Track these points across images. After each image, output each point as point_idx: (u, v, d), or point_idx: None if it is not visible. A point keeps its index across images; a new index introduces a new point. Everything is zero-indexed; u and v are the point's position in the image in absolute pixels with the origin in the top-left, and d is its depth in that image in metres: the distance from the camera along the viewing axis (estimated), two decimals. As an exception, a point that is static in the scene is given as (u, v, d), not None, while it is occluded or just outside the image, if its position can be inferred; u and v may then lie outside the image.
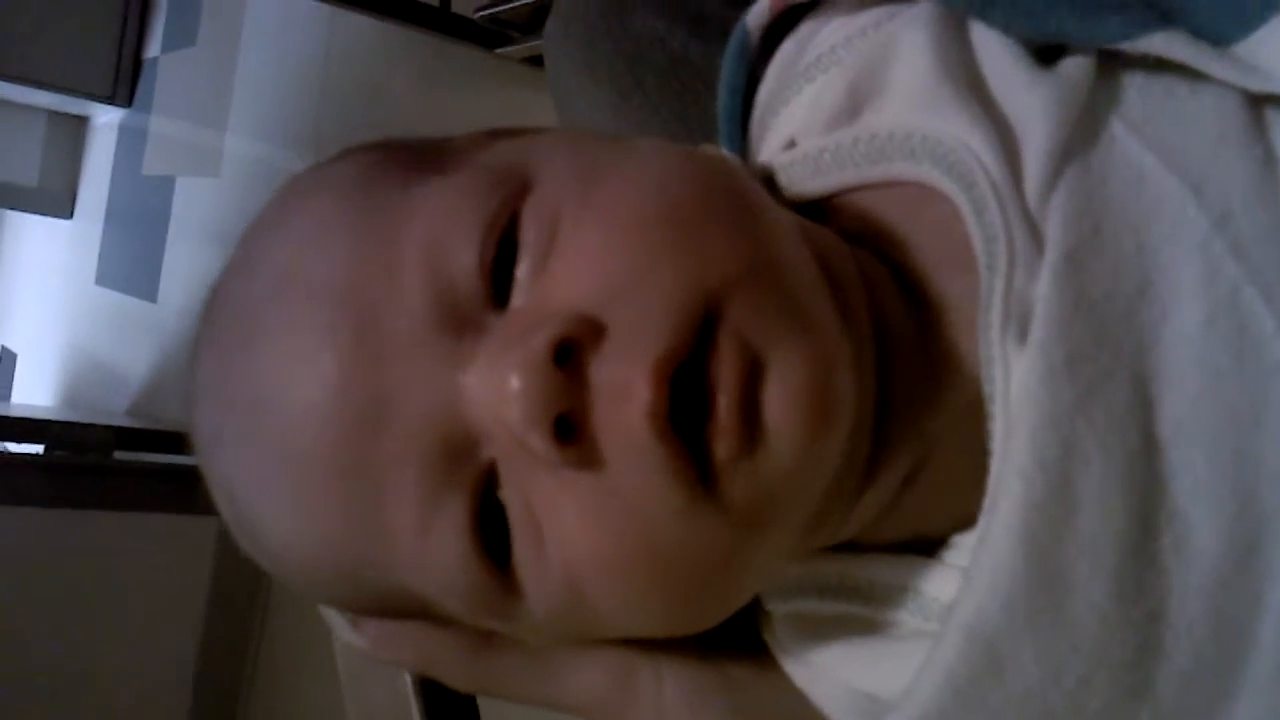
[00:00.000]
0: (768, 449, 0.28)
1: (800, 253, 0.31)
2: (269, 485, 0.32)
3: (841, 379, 0.30)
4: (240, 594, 2.18)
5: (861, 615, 0.34)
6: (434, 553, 0.30)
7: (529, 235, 0.30)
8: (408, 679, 0.47)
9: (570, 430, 0.28)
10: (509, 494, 0.30)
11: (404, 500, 0.30)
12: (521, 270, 0.30)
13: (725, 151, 0.40)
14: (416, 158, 0.34)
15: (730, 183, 0.32)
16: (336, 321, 0.30)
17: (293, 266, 0.31)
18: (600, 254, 0.29)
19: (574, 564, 0.29)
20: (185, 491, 2.02)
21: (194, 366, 0.35)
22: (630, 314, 0.28)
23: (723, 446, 0.28)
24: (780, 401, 0.28)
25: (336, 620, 0.39)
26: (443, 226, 0.30)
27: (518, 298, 0.30)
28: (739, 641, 0.37)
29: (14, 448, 2.36)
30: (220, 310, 0.34)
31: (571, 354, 0.28)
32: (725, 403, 0.28)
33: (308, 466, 0.30)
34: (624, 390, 0.27)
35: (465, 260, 0.30)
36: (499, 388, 0.28)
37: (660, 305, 0.28)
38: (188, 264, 2.81)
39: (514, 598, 0.31)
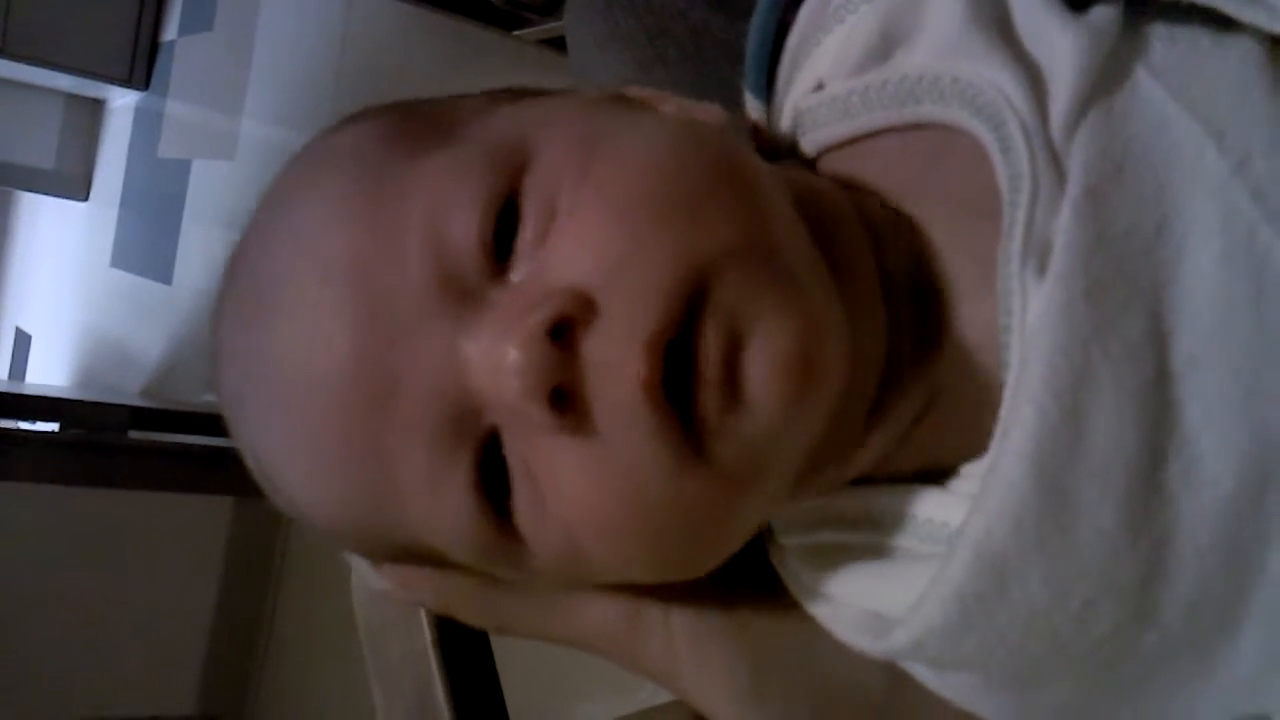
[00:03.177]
0: (748, 410, 0.30)
1: (792, 225, 0.32)
2: (291, 452, 0.34)
3: (827, 346, 0.31)
4: (253, 572, 2.19)
5: (872, 542, 0.35)
6: (442, 509, 0.32)
7: (529, 208, 0.31)
8: (426, 633, 0.48)
9: (565, 399, 0.30)
10: (510, 454, 0.32)
11: (414, 464, 0.32)
12: (521, 243, 0.31)
13: (725, 113, 0.41)
14: (421, 127, 0.35)
15: (725, 155, 0.33)
16: (348, 299, 0.32)
17: (305, 243, 0.33)
18: (595, 231, 0.31)
19: (570, 520, 0.31)
20: (199, 471, 2.04)
21: (216, 326, 0.37)
22: (623, 292, 0.30)
23: (710, 408, 0.30)
24: (758, 367, 0.30)
25: (360, 565, 0.41)
26: (443, 202, 0.32)
27: (517, 271, 0.31)
28: (748, 575, 0.38)
29: (29, 426, 2.38)
30: (240, 276, 0.36)
31: (566, 330, 0.29)
32: (709, 375, 0.30)
33: (325, 437, 0.33)
34: (618, 364, 0.29)
35: (465, 235, 0.31)
36: (499, 363, 0.30)
37: (651, 285, 0.29)
38: (202, 247, 2.82)
39: (516, 547, 0.33)
